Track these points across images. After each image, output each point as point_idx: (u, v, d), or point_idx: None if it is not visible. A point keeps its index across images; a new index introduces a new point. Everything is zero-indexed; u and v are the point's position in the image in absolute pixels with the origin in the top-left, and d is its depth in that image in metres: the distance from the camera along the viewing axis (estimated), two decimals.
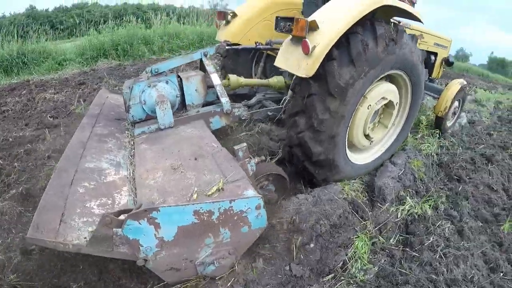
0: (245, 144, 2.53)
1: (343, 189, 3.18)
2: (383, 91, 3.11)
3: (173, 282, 2.14)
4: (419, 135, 4.69)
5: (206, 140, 2.69)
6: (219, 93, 3.15)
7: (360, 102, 2.94)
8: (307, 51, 2.48)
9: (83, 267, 2.45)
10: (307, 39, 2.47)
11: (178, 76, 3.16)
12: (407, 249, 2.85)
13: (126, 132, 3.11)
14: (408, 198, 3.18)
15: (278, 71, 3.73)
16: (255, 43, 3.80)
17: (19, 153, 4.27)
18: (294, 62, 2.60)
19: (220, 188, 2.10)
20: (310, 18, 2.55)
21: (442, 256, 2.74)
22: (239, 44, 4.01)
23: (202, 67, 3.70)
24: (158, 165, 2.43)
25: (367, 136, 3.33)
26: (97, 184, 2.33)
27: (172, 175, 2.29)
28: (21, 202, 3.30)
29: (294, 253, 2.50)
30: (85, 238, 1.86)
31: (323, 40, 2.45)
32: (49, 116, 5.30)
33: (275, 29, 2.99)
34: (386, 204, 3.09)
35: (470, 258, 2.72)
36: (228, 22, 4.14)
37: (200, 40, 11.63)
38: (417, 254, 2.77)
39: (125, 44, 9.74)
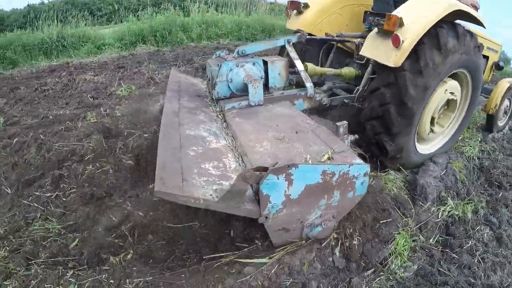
0: (346, 122, 2.83)
1: (385, 184, 3.27)
2: (449, 87, 3.46)
3: (278, 244, 2.36)
4: (460, 137, 4.53)
5: (300, 118, 2.93)
6: (303, 78, 3.41)
7: (436, 88, 3.28)
8: (397, 44, 2.83)
9: None
10: (398, 34, 2.82)
11: (263, 60, 3.40)
12: (447, 250, 2.95)
13: (210, 107, 3.32)
14: (449, 199, 3.26)
15: (343, 63, 4.22)
16: (326, 34, 4.04)
17: (59, 130, 4.26)
18: (382, 53, 2.95)
19: (330, 157, 2.27)
20: (398, 15, 2.87)
21: (481, 261, 2.87)
22: (311, 34, 4.23)
23: (281, 53, 4.02)
24: (261, 136, 2.62)
25: (432, 126, 3.66)
26: (204, 149, 2.51)
27: (279, 144, 2.49)
28: None
29: (339, 246, 2.57)
30: (210, 195, 1.98)
31: (411, 35, 2.82)
32: (90, 96, 5.34)
33: (364, 22, 3.59)
34: (428, 203, 3.16)
35: (507, 265, 2.82)
36: (300, 12, 4.37)
37: (238, 29, 11.60)
38: (456, 256, 2.88)
39: (163, 31, 9.84)
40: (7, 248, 2.89)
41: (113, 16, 13.73)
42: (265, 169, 1.94)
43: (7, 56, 9.41)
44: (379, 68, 3.17)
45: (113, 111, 4.60)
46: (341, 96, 3.65)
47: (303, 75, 3.43)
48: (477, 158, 4.17)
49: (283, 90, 3.49)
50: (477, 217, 3.33)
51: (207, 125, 2.88)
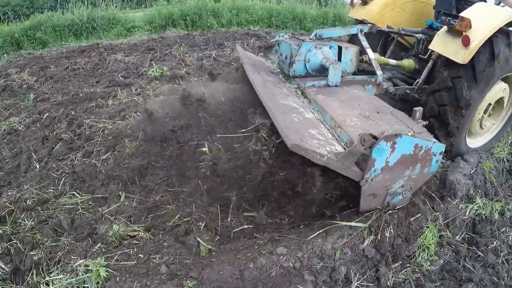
0: (421, 108, 3.09)
1: None
2: (499, 88, 3.74)
3: (364, 210, 2.71)
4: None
5: (376, 101, 3.27)
6: (374, 66, 3.69)
7: (487, 91, 3.56)
8: (467, 44, 3.14)
9: None
10: (468, 35, 3.14)
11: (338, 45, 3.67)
12: (473, 248, 3.08)
13: (285, 83, 3.54)
14: (477, 197, 3.34)
15: (399, 56, 4.55)
16: (387, 26, 4.25)
17: (91, 107, 4.32)
18: (451, 49, 3.28)
19: (413, 136, 2.49)
20: (467, 17, 3.19)
21: (505, 262, 3.02)
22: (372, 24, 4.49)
23: (351, 41, 4.33)
24: (348, 113, 2.89)
25: (481, 124, 3.90)
26: (302, 118, 2.76)
27: (366, 121, 2.78)
28: None
29: (371, 236, 2.69)
30: (325, 154, 2.25)
31: (478, 37, 3.15)
32: (120, 76, 5.42)
33: (436, 19, 3.95)
34: (456, 200, 3.24)
35: None
36: (365, 3, 4.69)
37: (269, 17, 11.52)
38: (481, 255, 3.02)
39: (194, 15, 9.89)
40: (36, 219, 2.96)
41: (143, 0, 13.95)
42: (375, 137, 2.24)
43: (37, 36, 9.75)
44: (445, 63, 3.46)
45: (144, 90, 4.63)
46: (403, 87, 3.95)
47: (374, 63, 3.71)
48: (507, 161, 4.21)
49: (351, 75, 3.76)
50: (503, 218, 3.43)
51: (293, 98, 3.14)
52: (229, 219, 2.89)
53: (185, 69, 5.67)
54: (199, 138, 3.26)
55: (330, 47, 3.54)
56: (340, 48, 3.57)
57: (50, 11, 11.49)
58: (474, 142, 4.07)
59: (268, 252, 2.49)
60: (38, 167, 3.69)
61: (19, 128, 4.70)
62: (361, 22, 4.44)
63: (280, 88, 3.28)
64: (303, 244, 2.55)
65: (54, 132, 4.05)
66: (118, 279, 2.35)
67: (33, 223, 2.90)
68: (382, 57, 4.08)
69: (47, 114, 4.54)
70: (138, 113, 3.99)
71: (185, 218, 2.81)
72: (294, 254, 2.49)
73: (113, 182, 3.16)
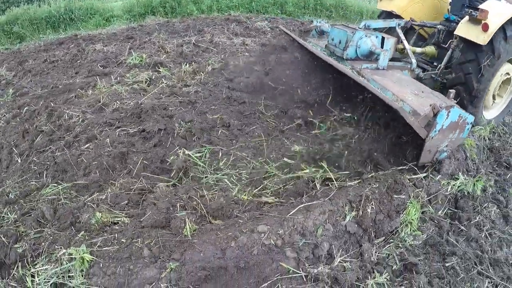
0: (454, 90, 3.44)
1: None
2: (507, 68, 4.37)
3: (422, 162, 3.23)
4: None
5: (416, 83, 3.87)
6: (410, 55, 4.25)
7: (499, 67, 4.20)
8: (486, 29, 3.81)
9: None
10: (487, 22, 3.79)
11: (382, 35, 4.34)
12: (455, 222, 3.17)
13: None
14: (460, 174, 3.44)
15: (417, 45, 5.11)
16: (410, 19, 4.86)
17: (70, 98, 4.23)
18: (473, 34, 3.94)
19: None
20: (486, 8, 3.84)
21: (488, 236, 3.12)
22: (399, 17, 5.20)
23: (387, 32, 4.86)
24: (402, 90, 3.51)
25: (494, 98, 4.53)
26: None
27: (418, 97, 3.42)
28: None
29: (352, 212, 2.76)
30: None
31: (494, 24, 3.82)
32: (100, 65, 5.31)
33: (461, 11, 4.48)
34: (438, 176, 3.31)
35: None
36: None
37: (249, 1, 11.29)
38: (464, 229, 3.11)
39: (173, 2, 9.68)
40: (18, 212, 2.92)
41: None
42: (436, 107, 2.96)
43: (14, 31, 9.45)
44: (467, 46, 4.12)
45: (123, 78, 4.54)
46: (429, 72, 4.51)
47: (410, 52, 4.27)
48: (488, 139, 4.40)
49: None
50: (485, 194, 3.54)
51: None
52: None
53: (164, 55, 5.56)
54: None
55: (376, 37, 4.16)
56: (383, 38, 4.22)
57: (26, 4, 11.09)
58: (488, 115, 4.71)
59: (249, 231, 2.48)
60: (19, 161, 3.62)
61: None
62: (389, 12, 5.26)
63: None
64: (284, 221, 2.54)
65: (34, 125, 3.96)
66: (101, 265, 2.34)
67: (16, 216, 2.86)
68: (410, 46, 4.67)
69: (26, 108, 4.43)
70: None
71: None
72: (275, 231, 2.49)
73: (95, 170, 3.11)
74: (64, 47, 7.25)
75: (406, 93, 3.45)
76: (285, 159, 3.42)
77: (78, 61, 5.72)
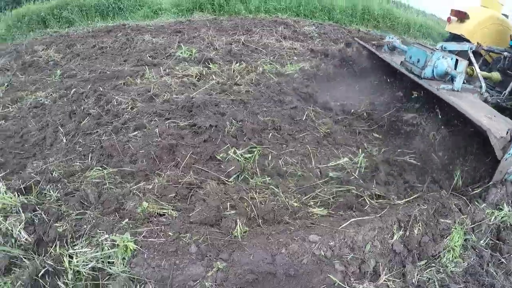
0: None
1: None
2: None
3: (494, 181, 3.27)
4: None
5: (488, 107, 4.00)
6: (480, 79, 4.43)
7: None
8: None
9: None
10: None
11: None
12: (496, 254, 3.13)
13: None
14: (505, 205, 3.38)
15: (481, 70, 5.10)
16: (477, 43, 4.91)
17: (119, 84, 4.34)
18: None
19: None
20: None
21: None
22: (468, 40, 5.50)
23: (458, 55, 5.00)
24: (478, 113, 3.56)
25: None
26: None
27: (492, 121, 3.50)
28: None
29: (400, 231, 2.78)
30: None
31: None
32: (148, 56, 5.43)
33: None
34: (483, 205, 3.28)
35: None
36: (462, 21, 5.76)
37: (297, 5, 11.39)
38: (504, 262, 3.07)
39: (221, 0, 9.79)
40: (61, 191, 2.97)
41: None
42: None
43: (63, 15, 9.93)
44: None
45: (173, 71, 4.62)
46: (496, 97, 4.69)
47: (480, 76, 4.44)
48: None
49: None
50: None
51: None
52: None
53: (213, 52, 5.63)
54: None
55: (451, 58, 4.33)
56: (457, 60, 4.38)
57: None
58: None
59: (301, 239, 2.48)
60: (64, 140, 3.72)
61: (46, 102, 4.77)
62: (457, 36, 5.63)
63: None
64: (335, 233, 2.58)
65: (82, 107, 4.08)
66: (146, 256, 2.34)
67: (58, 195, 2.91)
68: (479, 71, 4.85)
69: (74, 90, 4.59)
70: None
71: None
72: (326, 242, 2.52)
73: (142, 159, 3.14)
74: (112, 35, 7.52)
75: (481, 116, 3.55)
76: (333, 173, 3.38)
77: (127, 50, 5.91)
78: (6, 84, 6.05)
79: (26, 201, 2.86)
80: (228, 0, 9.96)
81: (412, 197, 3.14)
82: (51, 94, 4.95)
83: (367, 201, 3.04)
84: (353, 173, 3.42)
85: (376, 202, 3.05)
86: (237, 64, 5.11)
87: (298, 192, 3.11)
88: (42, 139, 3.98)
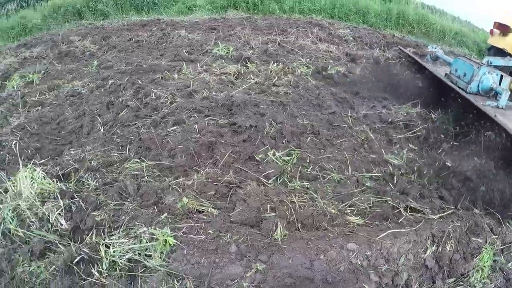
0: None
1: None
2: None
3: None
4: None
5: None
6: None
7: None
8: None
9: None
10: None
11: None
12: None
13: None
14: None
15: None
16: None
17: (156, 78, 4.39)
18: None
19: None
20: None
21: None
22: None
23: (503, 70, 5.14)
24: None
25: None
26: None
27: None
28: None
29: (433, 246, 2.77)
30: None
31: None
32: (185, 51, 5.47)
33: None
34: None
35: None
36: (505, 34, 5.85)
37: (332, 7, 11.32)
38: None
39: None
40: (100, 180, 3.01)
41: None
42: None
43: (98, 8, 10.17)
44: None
45: (210, 67, 4.65)
46: None
47: None
48: None
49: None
50: None
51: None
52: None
53: (250, 51, 5.63)
54: None
55: (497, 74, 4.40)
56: (501, 76, 4.45)
57: None
58: None
59: (339, 246, 2.50)
60: (102, 130, 3.79)
61: (82, 91, 4.88)
62: (499, 49, 5.71)
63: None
64: (372, 243, 2.59)
65: (120, 99, 4.15)
66: (185, 252, 2.35)
67: (97, 184, 2.95)
68: None
69: (112, 81, 4.67)
70: None
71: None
72: (364, 252, 2.54)
73: (180, 154, 3.15)
74: (147, 29, 7.65)
75: None
76: (370, 182, 3.35)
77: (163, 44, 5.99)
78: (42, 71, 6.22)
79: (64, 188, 2.91)
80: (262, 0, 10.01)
81: (446, 213, 3.09)
82: (88, 84, 5.06)
83: (403, 213, 3.01)
84: (389, 184, 3.39)
85: (410, 215, 3.02)
86: (274, 65, 5.09)
87: (336, 199, 3.09)
88: (79, 127, 4.06)
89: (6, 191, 3.00)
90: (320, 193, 3.06)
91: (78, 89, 5.00)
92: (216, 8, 9.58)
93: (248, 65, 4.98)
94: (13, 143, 3.71)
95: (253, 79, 4.55)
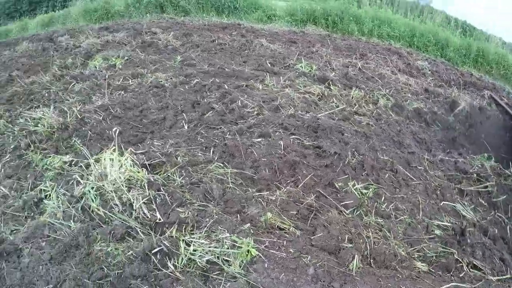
0: None
1: None
2: None
3: None
4: None
5: None
6: None
7: None
8: None
9: None
10: None
11: None
12: None
13: None
14: None
15: None
16: None
17: (241, 85, 4.55)
18: None
19: None
20: None
21: None
22: None
23: None
24: None
25: None
26: None
27: None
28: None
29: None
30: None
31: None
32: (268, 62, 5.62)
33: None
34: None
35: None
36: None
37: (411, 35, 11.11)
38: None
39: (336, 17, 9.94)
40: (187, 178, 3.17)
41: None
42: None
43: (180, 4, 10.72)
44: None
45: (293, 83, 4.76)
46: None
47: None
48: None
49: None
50: None
51: None
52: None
53: (332, 73, 5.69)
54: None
55: None
56: None
57: None
58: None
59: None
60: (186, 127, 3.98)
61: (166, 84, 5.15)
62: None
63: None
64: None
65: (205, 100, 4.35)
66: (266, 265, 2.43)
67: (183, 181, 3.11)
68: None
69: (196, 80, 4.90)
70: None
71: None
72: None
73: (263, 167, 3.26)
74: (227, 32, 7.96)
75: None
76: (438, 231, 3.32)
77: (246, 51, 6.20)
78: (126, 58, 6.64)
79: (152, 179, 3.09)
80: (342, 18, 10.06)
81: (505, 277, 3.02)
82: (171, 78, 5.33)
83: (465, 269, 2.96)
84: (457, 236, 3.34)
85: (472, 271, 2.97)
86: (356, 91, 5.12)
87: (406, 241, 3.09)
88: (161, 119, 4.28)
89: (87, 166, 3.27)
90: (393, 232, 3.07)
91: (161, 81, 5.27)
92: (295, 21, 9.77)
93: (331, 87, 5.04)
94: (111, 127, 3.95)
95: (335, 103, 4.60)
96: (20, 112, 4.85)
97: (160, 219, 2.77)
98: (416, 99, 5.84)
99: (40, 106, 4.92)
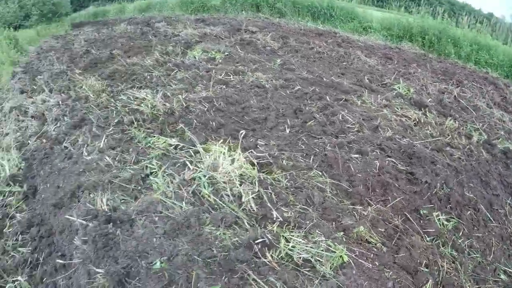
0: None
1: None
2: None
3: None
4: None
5: None
6: None
7: None
8: None
9: None
10: None
11: None
12: None
13: None
14: None
15: None
16: None
17: (340, 98, 4.83)
18: None
19: None
20: None
21: None
22: None
23: None
24: None
25: None
26: None
27: None
28: None
29: None
30: None
31: None
32: (366, 78, 5.82)
33: None
34: None
35: None
36: None
37: (510, 65, 10.49)
38: None
39: (433, 37, 9.74)
40: (291, 182, 3.50)
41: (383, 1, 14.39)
42: None
43: (276, 6, 11.19)
44: None
45: (390, 104, 4.96)
46: None
47: None
48: None
49: None
50: None
51: None
52: None
53: (429, 99, 5.77)
54: None
55: None
56: None
57: None
58: None
59: None
60: (287, 131, 4.36)
61: (266, 85, 5.55)
62: None
63: None
64: None
65: (307, 108, 4.72)
66: (354, 272, 2.73)
67: (288, 184, 3.51)
68: None
69: (298, 87, 5.28)
70: None
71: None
72: None
73: (359, 183, 3.57)
74: (322, 39, 8.24)
75: None
76: (504, 276, 3.44)
77: (344, 63, 6.46)
78: (226, 53, 7.18)
79: (262, 178, 3.47)
80: (440, 38, 9.85)
81: None
82: (272, 80, 5.74)
83: None
84: None
85: None
86: (451, 121, 5.18)
87: (473, 278, 3.27)
88: (263, 119, 4.63)
89: (195, 152, 3.66)
90: (464, 267, 3.26)
91: (262, 81, 5.68)
92: (391, 35, 9.77)
93: (427, 114, 5.16)
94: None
95: (430, 132, 4.77)
96: (121, 89, 5.39)
97: (265, 214, 3.12)
98: (508, 138, 5.72)
99: (143, 87, 5.42)
